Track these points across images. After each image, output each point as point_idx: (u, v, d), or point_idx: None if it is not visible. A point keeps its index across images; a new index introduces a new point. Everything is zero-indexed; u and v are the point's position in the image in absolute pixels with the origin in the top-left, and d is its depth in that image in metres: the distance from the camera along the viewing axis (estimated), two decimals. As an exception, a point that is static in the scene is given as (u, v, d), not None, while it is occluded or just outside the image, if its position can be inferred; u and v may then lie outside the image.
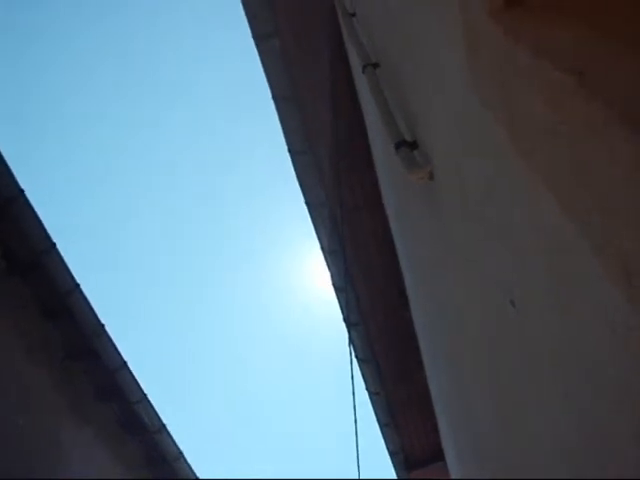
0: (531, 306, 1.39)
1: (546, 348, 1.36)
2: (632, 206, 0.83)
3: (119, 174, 18.00)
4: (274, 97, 5.62)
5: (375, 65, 3.30)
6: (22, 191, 5.53)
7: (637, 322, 0.84)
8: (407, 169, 2.59)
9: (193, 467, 7.89)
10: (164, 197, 18.87)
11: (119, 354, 6.73)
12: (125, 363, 6.77)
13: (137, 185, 18.31)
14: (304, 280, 16.12)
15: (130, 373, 6.87)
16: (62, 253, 6.06)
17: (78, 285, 6.24)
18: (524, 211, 1.26)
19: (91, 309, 6.42)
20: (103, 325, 6.51)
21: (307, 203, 6.40)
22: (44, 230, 5.91)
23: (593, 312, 1.00)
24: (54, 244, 5.99)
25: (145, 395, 7.07)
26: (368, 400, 7.68)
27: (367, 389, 7.61)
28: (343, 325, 7.08)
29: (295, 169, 6.15)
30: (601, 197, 0.90)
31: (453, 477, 6.08)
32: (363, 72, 3.34)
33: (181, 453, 7.63)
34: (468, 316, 2.38)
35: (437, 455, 7.30)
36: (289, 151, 6.03)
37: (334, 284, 6.88)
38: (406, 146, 2.66)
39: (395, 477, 8.20)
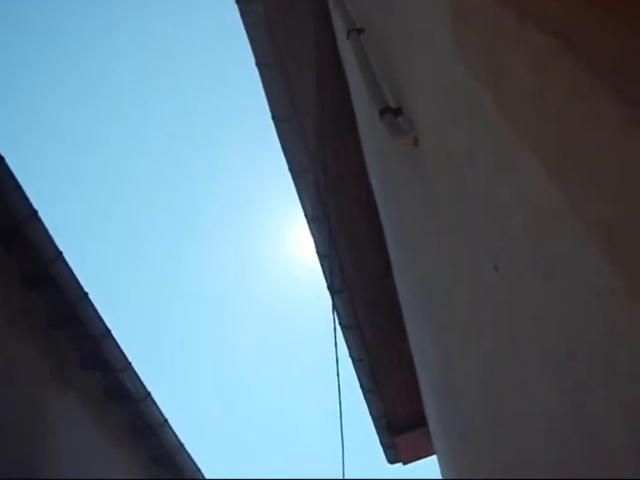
0: (514, 271, 1.40)
1: (529, 312, 1.37)
2: (614, 171, 0.83)
3: (102, 141, 17.83)
4: (258, 64, 5.57)
5: (360, 31, 3.28)
6: (2, 158, 5.47)
7: (620, 284, 0.85)
8: (391, 135, 2.59)
9: (178, 434, 7.92)
10: (147, 166, 18.75)
11: (103, 322, 6.71)
12: (109, 331, 6.76)
13: (120, 153, 18.17)
14: (288, 248, 16.13)
15: (114, 341, 6.86)
16: (44, 221, 6.02)
17: (61, 253, 6.20)
18: (509, 177, 1.27)
19: (74, 277, 6.38)
20: (87, 293, 6.48)
21: (291, 170, 6.37)
22: (25, 197, 5.85)
23: (576, 276, 1.01)
24: (36, 211, 5.94)
25: (130, 363, 7.07)
26: (352, 367, 7.73)
27: (350, 356, 7.65)
28: (327, 292, 7.10)
29: (279, 136, 6.11)
30: (585, 162, 0.90)
31: (435, 443, 6.15)
32: (347, 38, 3.32)
33: (166, 420, 7.66)
34: (452, 281, 2.40)
35: (420, 421, 7.38)
36: (273, 118, 5.99)
37: (318, 251, 6.88)
38: (390, 112, 2.65)
39: (378, 442, 8.28)
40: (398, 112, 2.66)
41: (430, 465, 7.91)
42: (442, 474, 5.89)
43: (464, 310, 2.24)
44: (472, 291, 1.99)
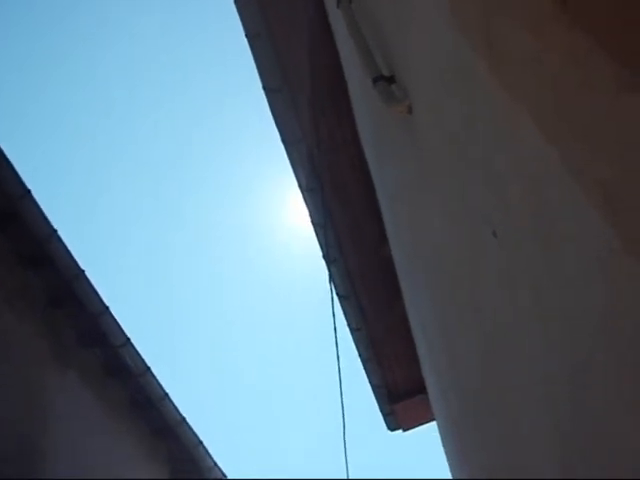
0: (513, 237, 1.41)
1: (528, 276, 1.38)
2: (611, 134, 0.83)
3: (95, 120, 17.71)
4: (247, 35, 5.52)
5: (350, -1, 3.25)
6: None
7: (619, 245, 0.85)
8: (385, 103, 2.58)
9: (179, 408, 7.98)
10: (142, 139, 18.65)
11: (100, 299, 6.73)
12: (107, 308, 6.78)
13: (112, 128, 18.06)
14: (283, 219, 16.11)
15: (112, 317, 6.88)
16: (38, 200, 6.01)
17: (56, 231, 6.20)
18: (506, 143, 1.26)
19: (70, 255, 6.39)
20: (83, 271, 6.49)
21: (283, 141, 6.35)
22: (18, 177, 5.84)
23: (574, 239, 1.02)
24: (29, 190, 5.93)
25: (128, 339, 7.10)
26: (350, 336, 7.76)
27: (348, 325, 7.68)
28: (323, 262, 7.11)
29: (270, 107, 6.08)
30: (582, 125, 0.90)
31: (434, 410, 6.21)
32: (338, 7, 3.29)
33: (166, 394, 7.71)
34: (449, 248, 2.40)
35: (419, 388, 7.44)
36: (264, 89, 5.96)
37: (313, 221, 6.87)
38: (384, 80, 2.64)
39: (378, 410, 8.35)
40: (391, 80, 2.65)
41: (430, 431, 7.98)
42: (442, 440, 5.95)
43: (462, 277, 2.25)
44: (470, 258, 1.99)
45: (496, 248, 1.57)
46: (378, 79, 2.65)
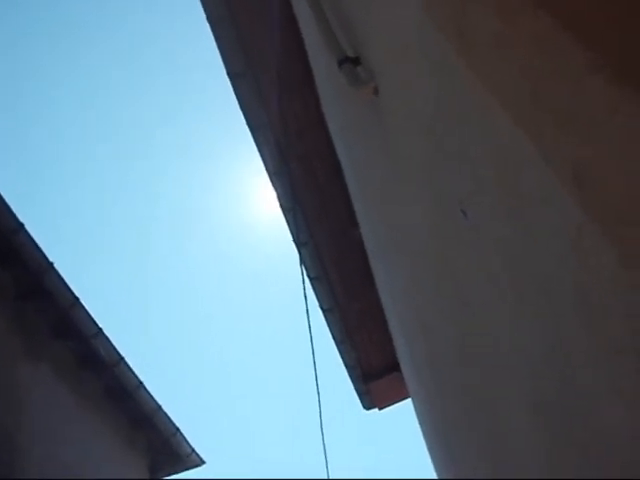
0: (483, 215, 1.43)
1: (499, 255, 1.40)
2: (579, 115, 0.85)
3: (59, 101, 17.40)
4: (209, 19, 5.48)
5: (312, -19, 3.23)
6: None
7: (589, 225, 0.87)
8: (351, 85, 2.58)
9: (155, 396, 7.96)
10: (106, 127, 18.42)
11: (70, 291, 6.68)
12: (77, 299, 6.74)
13: (77, 111, 17.79)
14: (252, 203, 16.06)
15: (83, 309, 6.84)
16: (3, 193, 5.93)
17: (22, 225, 6.13)
18: (476, 124, 1.28)
19: (38, 248, 6.33)
20: (52, 263, 6.44)
21: (249, 126, 6.33)
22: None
23: (544, 218, 1.04)
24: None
25: (100, 329, 7.07)
26: (323, 318, 7.80)
27: (320, 307, 7.71)
28: (293, 246, 7.12)
29: (235, 92, 6.05)
30: (551, 107, 0.92)
31: (409, 387, 6.27)
32: (300, -11, 3.28)
33: (141, 383, 7.69)
34: (419, 229, 2.42)
35: (393, 366, 7.50)
36: (228, 74, 5.92)
37: (282, 205, 6.87)
38: (349, 62, 2.64)
39: (353, 390, 8.41)
40: (357, 62, 2.65)
41: (406, 409, 8.06)
42: (417, 417, 6.02)
43: (433, 257, 2.27)
44: (440, 238, 2.01)
45: (466, 228, 1.59)
46: (343, 61, 2.65)
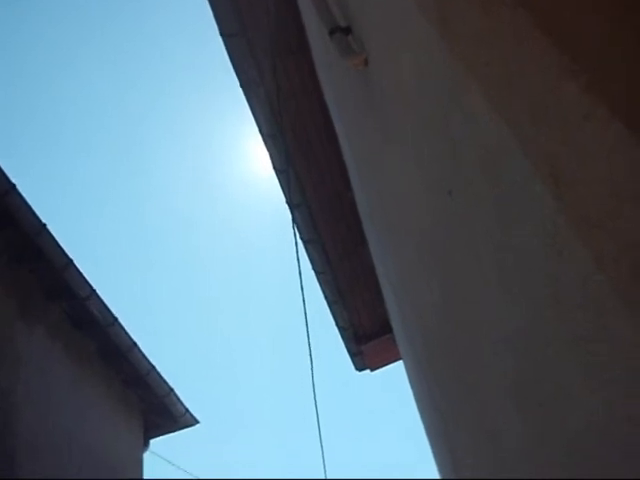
0: (467, 196, 1.44)
1: (483, 235, 1.41)
2: (557, 113, 0.86)
3: (54, 60, 17.20)
4: (202, -21, 5.43)
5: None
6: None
7: (562, 219, 0.89)
8: (342, 55, 2.58)
9: (148, 357, 8.04)
10: (100, 86, 18.24)
11: (64, 252, 6.70)
12: (71, 261, 6.76)
13: (73, 71, 17.62)
14: (246, 166, 16.03)
15: (77, 270, 6.87)
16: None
17: (14, 186, 6.13)
18: (456, 105, 1.29)
19: (30, 210, 6.33)
20: (45, 225, 6.45)
21: (242, 86, 6.29)
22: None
23: (524, 208, 1.05)
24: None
25: (94, 290, 7.11)
26: (315, 280, 7.84)
27: (313, 269, 7.75)
28: (287, 208, 7.14)
29: (228, 52, 6.01)
30: (529, 101, 0.93)
31: (400, 349, 6.33)
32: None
33: (135, 344, 7.76)
34: (408, 200, 2.43)
35: (385, 328, 7.58)
36: (221, 34, 5.88)
37: (275, 167, 6.87)
38: (340, 32, 2.62)
39: (346, 351, 8.50)
40: (348, 31, 2.63)
41: (397, 370, 8.15)
42: (408, 378, 6.09)
43: (421, 228, 2.29)
44: (428, 213, 2.03)
45: (452, 207, 1.60)
46: (334, 30, 2.63)
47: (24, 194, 6.20)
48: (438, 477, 5.09)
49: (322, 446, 8.96)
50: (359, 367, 8.71)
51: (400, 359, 7.38)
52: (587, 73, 0.78)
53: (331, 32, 2.64)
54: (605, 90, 0.75)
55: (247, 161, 15.59)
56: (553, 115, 0.86)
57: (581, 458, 1.08)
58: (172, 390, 8.45)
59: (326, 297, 8.01)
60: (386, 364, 8.47)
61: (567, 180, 0.86)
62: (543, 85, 0.87)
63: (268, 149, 6.74)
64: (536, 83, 0.89)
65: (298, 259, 7.30)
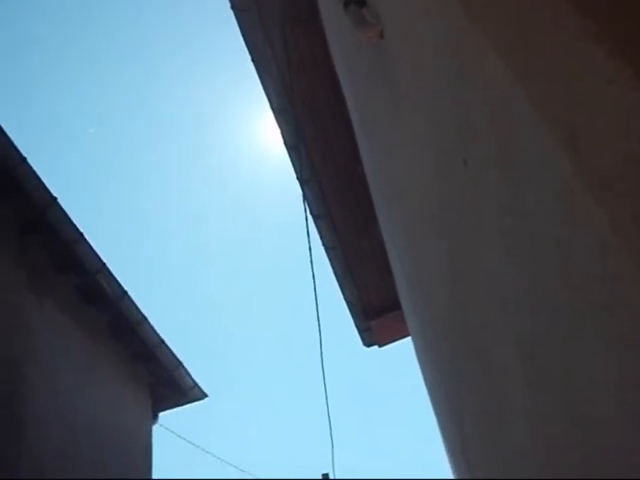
0: (482, 166, 1.44)
1: (494, 204, 1.41)
2: (574, 80, 0.85)
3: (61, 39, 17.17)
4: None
5: None
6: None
7: (580, 186, 0.88)
8: (357, 27, 2.56)
9: (158, 330, 8.08)
10: (111, 67, 18.20)
11: (74, 226, 6.72)
12: (81, 234, 6.77)
13: (83, 50, 17.58)
14: (257, 140, 15.99)
15: (87, 244, 6.89)
16: (5, 129, 5.91)
17: (25, 159, 6.13)
18: (473, 75, 1.28)
19: (41, 182, 6.34)
20: (56, 198, 6.46)
21: (253, 60, 6.27)
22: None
23: (538, 174, 1.05)
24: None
25: (104, 264, 7.13)
26: (325, 255, 7.85)
27: (323, 244, 7.75)
28: (297, 183, 7.13)
29: (240, 26, 5.98)
30: (550, 66, 0.92)
31: (409, 325, 6.34)
32: None
33: (145, 318, 7.79)
34: (420, 173, 2.43)
35: (394, 304, 7.58)
36: (232, 8, 5.84)
37: (286, 142, 6.85)
38: (355, 4, 2.61)
39: (354, 326, 8.52)
40: (362, 3, 2.61)
41: (405, 347, 8.17)
42: (417, 355, 6.10)
43: (434, 202, 2.28)
44: (441, 183, 2.02)
45: (466, 176, 1.60)
46: (349, 2, 2.62)
47: (35, 166, 6.20)
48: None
49: (330, 421, 9.03)
50: (367, 343, 8.74)
51: (409, 336, 7.39)
52: (610, 38, 0.77)
53: (346, 4, 2.62)
54: (629, 56, 0.75)
55: (258, 137, 15.54)
56: (572, 78, 0.85)
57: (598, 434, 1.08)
58: (181, 364, 8.49)
59: (335, 272, 8.01)
60: (394, 340, 8.49)
61: (585, 144, 0.85)
62: (563, 48, 0.86)
63: (279, 124, 6.72)
64: (555, 45, 0.89)
65: (308, 234, 7.31)
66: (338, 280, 8.08)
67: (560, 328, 1.13)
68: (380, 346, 8.73)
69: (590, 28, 0.80)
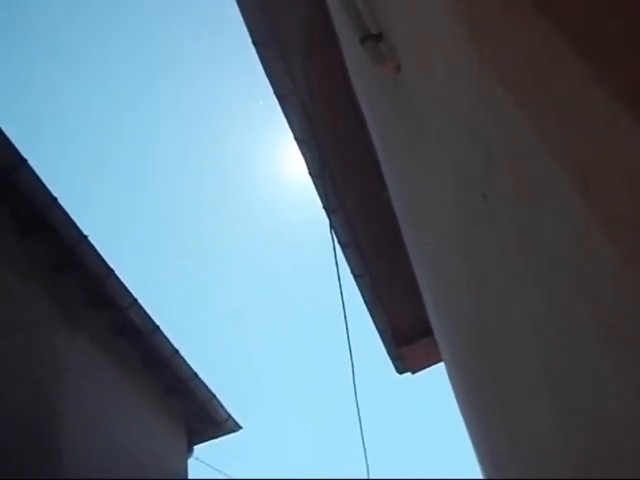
0: (500, 200, 1.45)
1: (515, 237, 1.43)
2: (581, 119, 0.87)
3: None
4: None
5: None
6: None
7: (595, 223, 0.90)
8: (374, 62, 2.59)
9: (190, 363, 8.11)
10: (132, 101, 18.46)
11: (105, 262, 6.81)
12: (112, 270, 6.86)
13: (104, 87, 17.86)
14: (282, 171, 16.07)
15: (118, 280, 6.97)
16: (35, 169, 6.02)
17: (56, 199, 6.24)
18: (489, 113, 1.30)
19: (71, 220, 6.44)
20: (86, 236, 6.55)
21: (276, 94, 6.35)
22: (13, 146, 5.84)
23: (554, 211, 1.07)
24: (25, 160, 5.94)
25: (135, 299, 7.20)
26: (354, 284, 7.85)
27: (352, 272, 7.76)
28: (324, 213, 7.16)
29: (261, 61, 6.06)
30: (557, 104, 0.94)
31: (441, 350, 6.31)
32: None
33: (177, 351, 7.84)
34: (442, 203, 2.44)
35: (426, 330, 7.54)
36: (253, 44, 5.93)
37: (310, 172, 6.90)
38: (372, 39, 2.64)
39: (386, 354, 8.48)
40: (379, 38, 2.65)
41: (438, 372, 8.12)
42: (450, 380, 6.07)
43: (456, 231, 2.30)
44: (463, 215, 2.04)
45: (486, 207, 1.61)
46: (366, 38, 2.65)
47: (65, 206, 6.31)
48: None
49: (365, 449, 8.97)
50: (400, 370, 8.69)
51: (441, 361, 7.35)
52: (612, 79, 0.79)
53: (363, 40, 2.66)
54: (629, 97, 0.76)
55: (284, 166, 15.63)
56: (579, 119, 0.87)
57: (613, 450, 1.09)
58: (214, 396, 8.52)
59: (365, 301, 8.01)
60: (427, 366, 8.44)
61: (597, 184, 0.87)
62: (568, 89, 0.88)
63: (303, 154, 6.78)
64: (562, 87, 0.91)
65: (337, 263, 7.32)
66: (368, 308, 8.07)
67: (582, 357, 1.15)
68: (413, 373, 8.68)
69: (591, 71, 0.82)
